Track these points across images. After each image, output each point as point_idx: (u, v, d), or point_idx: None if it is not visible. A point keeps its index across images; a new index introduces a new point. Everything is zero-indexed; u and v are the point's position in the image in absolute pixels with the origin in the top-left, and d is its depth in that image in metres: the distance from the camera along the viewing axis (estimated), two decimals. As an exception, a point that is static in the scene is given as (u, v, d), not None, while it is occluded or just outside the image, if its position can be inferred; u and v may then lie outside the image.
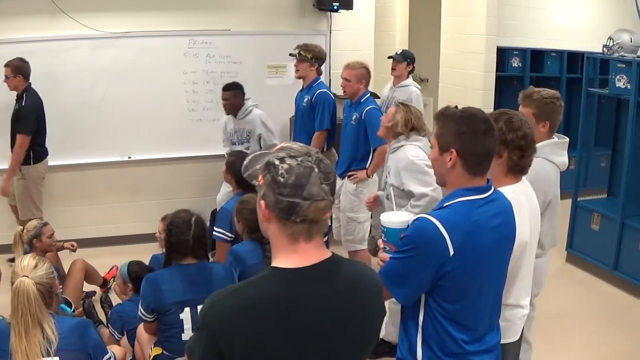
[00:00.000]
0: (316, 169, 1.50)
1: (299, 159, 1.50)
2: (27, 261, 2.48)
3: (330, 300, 1.53)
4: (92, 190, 6.04)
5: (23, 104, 5.24)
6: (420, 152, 3.70)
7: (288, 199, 1.48)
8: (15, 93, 5.31)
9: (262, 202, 1.53)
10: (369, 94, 4.87)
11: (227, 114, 5.47)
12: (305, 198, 1.48)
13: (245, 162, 1.70)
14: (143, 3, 5.88)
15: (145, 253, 4.40)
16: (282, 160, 1.50)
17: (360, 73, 4.78)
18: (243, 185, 4.22)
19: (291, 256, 1.53)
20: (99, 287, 5.02)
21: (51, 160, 5.66)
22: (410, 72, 5.75)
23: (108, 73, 5.87)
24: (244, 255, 3.38)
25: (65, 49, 5.80)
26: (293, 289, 1.51)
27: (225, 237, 4.04)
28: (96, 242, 5.81)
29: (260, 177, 1.54)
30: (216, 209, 5.41)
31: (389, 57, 5.79)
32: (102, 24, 5.81)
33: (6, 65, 5.23)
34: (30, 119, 5.21)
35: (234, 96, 5.38)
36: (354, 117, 4.77)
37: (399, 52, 5.78)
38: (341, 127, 5.05)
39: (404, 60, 5.66)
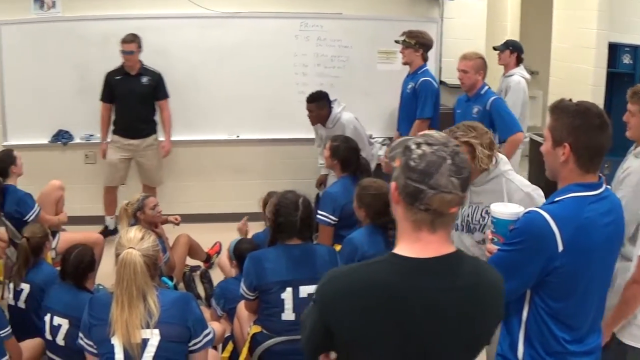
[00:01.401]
0: (449, 161, 1.49)
1: (435, 147, 1.50)
2: (134, 233, 2.49)
3: (446, 295, 1.52)
4: (199, 167, 6.18)
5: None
6: (522, 178, 3.13)
7: (414, 184, 1.49)
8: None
9: (393, 184, 1.55)
10: (487, 86, 4.76)
11: (313, 124, 5.44)
12: (431, 187, 1.47)
13: (393, 144, 1.69)
14: (255, -17, 5.88)
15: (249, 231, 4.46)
16: (418, 145, 1.51)
17: (477, 64, 4.66)
18: (348, 169, 4.21)
19: (413, 245, 1.53)
20: (202, 262, 5.09)
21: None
22: (518, 61, 5.56)
23: (218, 52, 5.95)
24: (361, 244, 3.33)
25: (175, 27, 5.94)
26: (407, 278, 1.51)
27: (328, 220, 4.02)
28: (201, 218, 5.93)
29: (397, 160, 1.56)
30: (318, 193, 5.40)
31: (494, 49, 5.67)
32: (213, 3, 5.91)
33: (134, 41, 5.41)
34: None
35: (317, 108, 5.34)
36: (475, 110, 4.66)
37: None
38: (455, 122, 4.93)
39: (506, 49, 5.53)
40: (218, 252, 5.23)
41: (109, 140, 5.73)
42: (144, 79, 5.53)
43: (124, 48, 5.39)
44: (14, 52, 5.95)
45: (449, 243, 1.57)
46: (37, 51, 5.94)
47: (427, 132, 1.60)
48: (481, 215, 2.91)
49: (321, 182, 5.59)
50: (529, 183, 2.94)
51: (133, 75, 5.51)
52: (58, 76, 5.88)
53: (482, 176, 2.87)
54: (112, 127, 5.68)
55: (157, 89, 5.58)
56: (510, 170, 2.92)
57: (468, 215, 2.96)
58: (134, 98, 5.55)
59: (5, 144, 5.92)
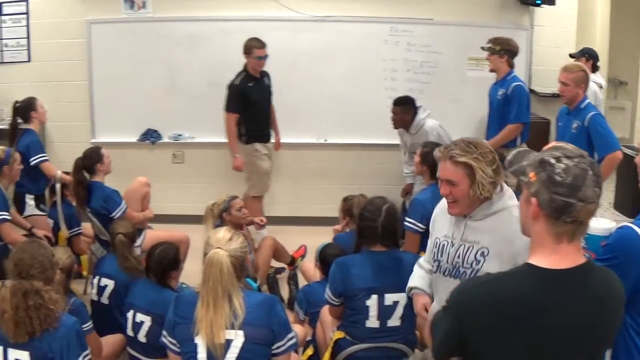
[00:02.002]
0: (590, 172, 1.51)
1: (575, 160, 1.52)
2: (222, 234, 2.47)
3: (577, 307, 1.54)
4: (286, 170, 6.19)
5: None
6: None
7: (563, 199, 1.50)
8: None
9: (534, 200, 1.55)
10: (587, 100, 4.68)
11: (395, 128, 5.39)
12: (580, 199, 1.50)
13: (509, 158, 1.70)
14: (343, -13, 5.88)
15: (331, 235, 4.46)
16: (558, 159, 1.52)
17: (578, 77, 4.56)
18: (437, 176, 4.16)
19: (551, 256, 1.55)
20: (286, 265, 5.08)
21: None
22: (594, 69, 5.55)
23: (308, 56, 5.95)
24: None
25: (266, 30, 5.89)
26: (546, 289, 1.53)
27: (416, 227, 3.94)
28: (287, 221, 5.94)
29: (532, 174, 1.56)
30: (404, 200, 5.37)
31: (570, 56, 5.63)
32: (304, 6, 5.92)
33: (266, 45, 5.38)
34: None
35: (402, 112, 5.27)
36: (574, 125, 4.56)
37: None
38: (556, 136, 4.87)
39: (582, 56, 5.53)
40: (303, 256, 5.20)
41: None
42: (267, 81, 5.51)
43: (260, 54, 5.31)
44: (103, 50, 6.06)
45: (581, 252, 1.60)
46: (127, 50, 6.04)
47: (556, 144, 1.63)
48: (475, 257, 2.39)
49: (407, 192, 5.55)
50: None
51: (259, 79, 5.46)
52: (147, 75, 5.95)
53: (482, 208, 2.37)
54: (244, 137, 5.48)
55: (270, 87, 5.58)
56: (516, 207, 2.12)
57: (458, 256, 2.45)
58: (266, 101, 5.54)
59: (93, 141, 6.02)
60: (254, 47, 5.27)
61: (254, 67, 5.33)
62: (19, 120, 4.99)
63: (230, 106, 5.33)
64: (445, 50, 5.94)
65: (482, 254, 2.35)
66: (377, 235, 3.10)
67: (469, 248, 2.40)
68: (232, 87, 5.33)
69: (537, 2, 5.86)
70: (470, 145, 2.36)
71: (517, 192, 2.06)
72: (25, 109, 4.92)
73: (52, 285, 2.67)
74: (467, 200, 2.36)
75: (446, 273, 2.50)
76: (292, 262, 5.10)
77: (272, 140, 5.66)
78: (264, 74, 5.47)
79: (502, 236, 2.30)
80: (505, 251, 2.30)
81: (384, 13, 5.92)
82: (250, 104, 5.34)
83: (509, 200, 2.36)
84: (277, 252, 4.94)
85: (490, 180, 2.31)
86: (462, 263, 2.41)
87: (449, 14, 5.97)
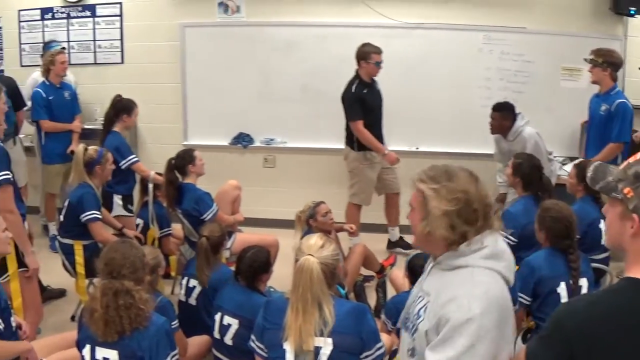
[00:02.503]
0: None
1: None
2: (314, 240, 2.48)
3: None
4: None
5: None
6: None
7: None
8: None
9: (636, 216, 1.52)
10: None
11: (493, 133, 5.37)
12: None
13: (589, 174, 1.66)
14: (438, -6, 5.88)
15: None
16: None
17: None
18: (530, 188, 4.14)
19: None
20: (375, 273, 5.07)
21: (333, 144, 5.91)
22: None
23: (401, 63, 5.95)
24: (539, 266, 3.27)
25: (359, 36, 5.87)
26: None
27: (507, 240, 3.89)
28: (377, 228, 5.94)
29: (627, 190, 1.53)
30: (496, 210, 5.35)
31: None
32: (397, 13, 5.92)
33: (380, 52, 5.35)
34: None
35: (501, 117, 5.22)
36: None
37: None
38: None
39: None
40: (392, 264, 5.21)
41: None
42: (378, 86, 5.48)
43: (378, 59, 5.28)
44: (197, 54, 6.15)
45: None
46: (220, 54, 6.11)
47: None
48: (418, 312, 1.94)
49: (500, 201, 5.54)
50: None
51: (372, 85, 5.40)
52: (240, 79, 6.00)
53: (449, 256, 1.89)
54: (356, 144, 5.41)
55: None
56: (488, 270, 1.83)
57: (409, 306, 2.06)
58: (379, 108, 5.48)
59: (185, 143, 6.09)
60: (372, 53, 5.23)
61: (370, 73, 5.29)
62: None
63: (353, 114, 5.27)
64: (539, 60, 5.90)
65: (425, 310, 1.89)
66: None
67: (419, 298, 1.98)
68: (350, 96, 5.28)
69: (631, 12, 5.82)
70: (443, 175, 1.93)
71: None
72: (122, 108, 5.00)
73: (143, 285, 2.70)
74: (418, 233, 1.94)
75: (401, 322, 2.13)
76: (381, 270, 5.11)
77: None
78: (374, 80, 5.44)
79: (452, 300, 1.80)
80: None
81: (477, 21, 5.88)
82: (366, 111, 5.29)
83: (480, 259, 1.84)
84: (367, 259, 4.93)
85: (447, 222, 1.85)
86: (410, 315, 2.01)
87: (542, 23, 5.93)
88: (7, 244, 2.99)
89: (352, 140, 5.41)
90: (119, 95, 5.17)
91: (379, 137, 5.42)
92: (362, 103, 5.27)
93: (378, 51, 5.25)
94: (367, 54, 5.24)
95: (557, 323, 1.60)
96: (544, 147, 5.29)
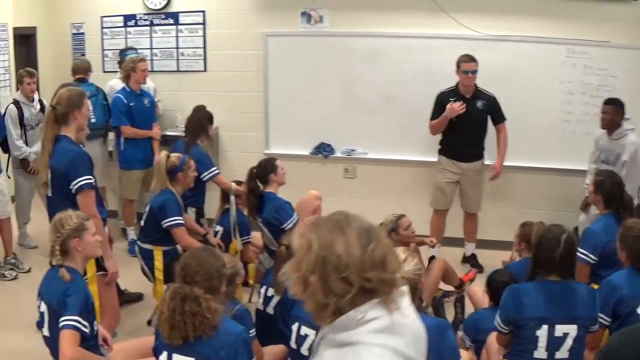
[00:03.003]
0: None
1: None
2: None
3: None
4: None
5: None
6: None
7: None
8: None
9: None
10: None
11: (603, 127, 5.37)
12: None
13: None
14: (522, 7, 5.89)
15: (499, 259, 4.49)
16: None
17: None
18: (611, 206, 4.11)
19: None
20: (454, 288, 5.09)
21: (416, 155, 6.08)
22: None
23: (482, 75, 5.88)
24: (620, 286, 3.27)
25: (443, 47, 5.98)
26: None
27: (587, 259, 3.90)
28: (460, 242, 5.99)
29: None
30: (577, 227, 5.37)
31: None
32: (480, 25, 5.92)
33: (475, 60, 5.43)
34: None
35: (614, 112, 5.24)
36: None
37: None
38: None
39: None
40: (472, 279, 5.24)
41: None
42: (479, 103, 5.48)
43: (468, 68, 5.35)
44: (279, 63, 6.23)
45: None
46: (302, 63, 6.19)
47: None
48: None
49: (587, 204, 5.53)
50: None
51: (468, 98, 5.44)
52: (322, 89, 6.07)
53: (329, 327, 1.54)
54: (438, 147, 5.68)
55: (492, 112, 5.56)
56: (380, 348, 1.47)
57: None
58: (466, 122, 5.44)
59: (266, 152, 6.18)
60: (461, 62, 5.35)
61: (462, 81, 5.41)
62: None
63: (433, 115, 5.51)
64: (622, 74, 5.87)
65: None
66: (554, 265, 3.06)
67: None
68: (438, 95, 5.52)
69: None
70: (338, 225, 1.59)
71: None
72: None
73: (217, 295, 2.70)
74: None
75: None
76: (461, 285, 5.14)
77: (469, 164, 5.63)
78: (480, 96, 5.48)
79: None
80: None
81: (560, 34, 5.85)
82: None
83: (368, 334, 1.48)
84: (447, 274, 4.90)
85: (300, 284, 1.56)
86: None
87: (626, 36, 5.87)
88: (98, 247, 3.15)
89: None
90: (204, 106, 5.29)
91: (460, 148, 5.54)
92: (442, 108, 5.40)
93: (466, 59, 5.34)
94: (457, 63, 5.38)
95: (610, 352, 1.64)
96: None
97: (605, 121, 5.26)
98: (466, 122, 5.41)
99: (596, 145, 5.45)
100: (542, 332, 2.99)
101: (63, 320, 2.75)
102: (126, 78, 5.64)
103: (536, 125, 5.99)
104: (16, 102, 5.58)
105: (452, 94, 5.43)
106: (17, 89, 5.76)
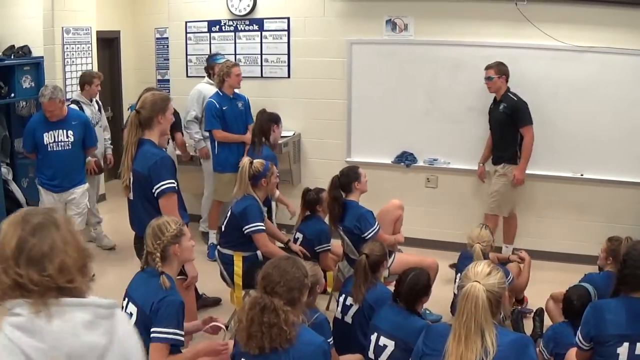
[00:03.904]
0: None
1: None
2: (482, 267, 2.48)
3: None
4: (536, 202, 6.23)
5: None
6: None
7: None
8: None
9: None
10: None
11: None
12: None
13: None
14: (609, 18, 5.80)
15: (579, 273, 4.41)
16: None
17: None
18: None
19: None
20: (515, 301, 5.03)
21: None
22: None
23: (569, 86, 5.94)
24: None
25: (527, 57, 5.97)
26: None
27: None
28: (533, 254, 5.98)
29: None
30: None
31: None
32: (566, 35, 5.87)
33: (489, 67, 5.61)
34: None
35: None
36: None
37: None
38: None
39: None
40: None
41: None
42: (501, 107, 5.67)
43: (485, 74, 5.65)
44: (363, 71, 6.31)
45: None
46: (386, 72, 6.25)
47: None
48: None
49: None
50: None
51: (497, 102, 5.72)
52: (406, 97, 6.12)
53: None
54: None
55: (514, 116, 5.65)
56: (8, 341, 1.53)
57: None
58: (492, 123, 5.78)
59: (348, 159, 6.29)
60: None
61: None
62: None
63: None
64: None
65: None
66: None
67: None
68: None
69: None
70: (24, 218, 1.64)
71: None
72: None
73: (298, 306, 2.70)
74: None
75: None
76: (522, 301, 5.07)
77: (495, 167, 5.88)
78: (505, 100, 5.72)
79: None
80: None
81: (648, 46, 5.88)
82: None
83: (8, 326, 1.55)
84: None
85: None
86: None
87: None
88: (193, 252, 3.22)
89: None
90: (264, 109, 5.50)
91: (492, 151, 5.90)
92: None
93: (486, 67, 5.66)
94: None
95: None
96: None
97: None
98: (494, 125, 5.74)
99: None
100: (623, 350, 2.96)
101: (158, 332, 2.81)
102: (220, 82, 5.79)
103: (620, 139, 5.93)
104: (76, 102, 5.77)
105: (494, 99, 5.78)
106: (83, 89, 5.96)
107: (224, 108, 5.76)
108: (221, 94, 5.81)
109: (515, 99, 5.65)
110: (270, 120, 5.50)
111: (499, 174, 5.80)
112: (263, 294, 2.63)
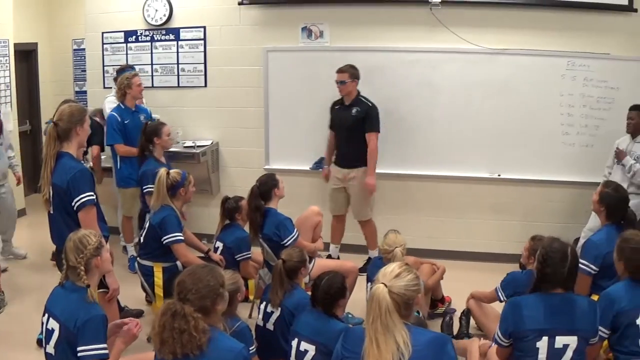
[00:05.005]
0: None
1: None
2: (392, 268, 2.51)
3: None
4: (455, 204, 6.37)
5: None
6: None
7: None
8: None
9: None
10: None
11: (628, 132, 5.49)
12: None
13: None
14: (521, 21, 6.04)
15: (500, 272, 4.51)
16: None
17: None
18: (614, 218, 4.20)
19: None
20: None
21: (416, 169, 6.26)
22: None
23: (483, 88, 6.11)
24: (619, 298, 3.35)
25: (442, 62, 6.13)
26: None
27: (589, 269, 3.99)
28: (455, 255, 6.17)
29: None
30: (577, 238, 5.46)
31: None
32: (480, 38, 6.06)
33: (342, 71, 5.71)
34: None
35: (639, 116, 5.41)
36: None
37: None
38: None
39: None
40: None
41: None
42: (354, 110, 5.72)
43: (336, 79, 5.69)
44: (279, 78, 6.38)
45: None
46: (303, 79, 6.34)
47: None
48: None
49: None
50: None
51: (346, 105, 5.76)
52: (322, 104, 6.15)
53: None
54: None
55: (365, 120, 5.73)
56: None
57: None
58: (342, 128, 5.81)
59: (266, 167, 6.31)
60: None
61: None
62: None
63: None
64: (622, 86, 5.97)
65: None
66: (561, 279, 3.12)
67: None
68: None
69: None
70: None
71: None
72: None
73: (212, 315, 2.71)
74: None
75: None
76: (443, 301, 5.16)
77: (348, 170, 5.89)
78: (357, 104, 5.79)
79: None
80: None
81: (560, 47, 5.98)
82: (333, 126, 5.91)
83: None
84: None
85: None
86: None
87: (626, 48, 5.98)
88: (110, 263, 3.24)
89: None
90: (146, 123, 5.43)
91: (340, 154, 5.92)
92: (331, 116, 5.93)
93: (337, 71, 5.71)
94: None
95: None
96: None
97: (630, 126, 5.45)
98: (342, 128, 5.78)
99: (616, 150, 5.56)
100: (543, 344, 3.04)
101: (86, 351, 2.84)
102: (122, 95, 5.75)
103: (535, 138, 6.14)
104: None
105: (338, 101, 5.84)
106: None
107: (125, 121, 5.70)
108: (123, 107, 5.77)
109: (369, 104, 5.75)
110: (150, 132, 5.38)
111: (352, 179, 5.85)
112: (176, 301, 2.64)
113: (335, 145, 5.94)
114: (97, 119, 6.16)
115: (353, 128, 5.72)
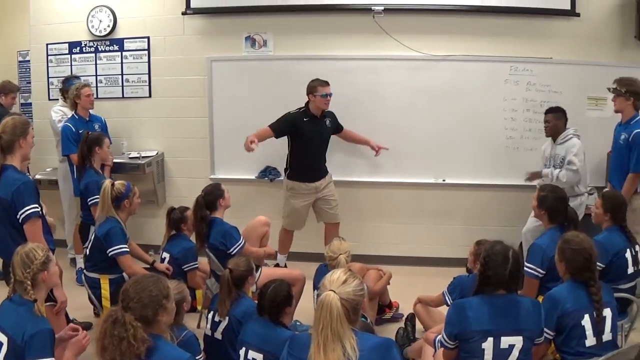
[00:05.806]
0: None
1: None
2: (338, 275, 2.56)
3: None
4: (402, 209, 6.41)
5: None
6: None
7: None
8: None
9: None
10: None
11: (547, 135, 5.57)
12: None
13: None
14: (464, 28, 6.15)
15: (447, 277, 4.55)
16: None
17: None
18: (556, 220, 4.27)
19: None
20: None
21: (361, 176, 6.33)
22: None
23: (427, 94, 6.18)
24: (563, 300, 3.40)
25: (386, 69, 6.20)
26: None
27: (535, 273, 4.06)
28: (401, 261, 6.23)
29: None
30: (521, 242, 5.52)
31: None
32: (422, 45, 6.15)
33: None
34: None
35: (555, 118, 5.46)
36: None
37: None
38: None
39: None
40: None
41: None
42: (327, 122, 5.85)
43: (327, 91, 5.70)
44: (224, 88, 6.41)
45: None
46: (247, 88, 6.37)
47: None
48: None
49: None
50: None
51: (319, 118, 5.81)
52: (267, 113, 6.12)
53: None
54: (288, 172, 5.94)
55: (336, 125, 5.94)
56: None
57: None
58: (320, 140, 5.88)
59: (212, 177, 6.34)
60: (318, 86, 5.69)
61: (319, 104, 5.75)
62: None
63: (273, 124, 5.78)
64: (565, 90, 6.07)
65: None
66: (503, 282, 3.17)
67: None
68: (284, 116, 5.80)
69: (657, 41, 6.01)
70: None
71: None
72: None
73: (153, 324, 2.72)
74: None
75: None
76: (390, 307, 5.20)
77: (322, 180, 5.94)
78: (327, 115, 5.86)
79: None
80: None
81: (504, 52, 6.08)
82: (299, 138, 5.80)
83: None
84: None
85: None
86: None
87: (569, 53, 6.10)
88: (58, 277, 3.27)
89: (286, 166, 5.97)
90: (87, 133, 5.43)
91: (314, 168, 5.90)
92: (293, 127, 5.77)
93: (324, 84, 5.70)
94: (313, 87, 5.69)
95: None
96: (584, 162, 5.44)
97: (548, 129, 5.52)
98: (318, 141, 5.83)
99: (543, 156, 5.65)
100: (488, 345, 3.08)
101: None
102: (73, 106, 5.79)
103: (481, 143, 6.22)
104: None
105: (304, 114, 5.77)
106: None
107: (80, 131, 5.70)
108: (77, 117, 5.81)
109: (332, 112, 5.90)
110: (92, 142, 5.38)
111: (327, 186, 5.97)
112: (119, 308, 2.67)
113: (300, 160, 5.89)
114: None
115: (328, 138, 5.91)
